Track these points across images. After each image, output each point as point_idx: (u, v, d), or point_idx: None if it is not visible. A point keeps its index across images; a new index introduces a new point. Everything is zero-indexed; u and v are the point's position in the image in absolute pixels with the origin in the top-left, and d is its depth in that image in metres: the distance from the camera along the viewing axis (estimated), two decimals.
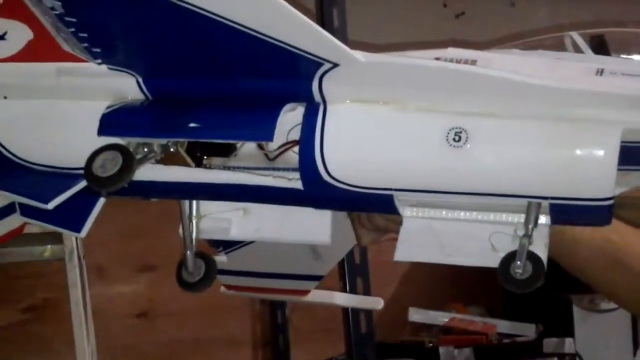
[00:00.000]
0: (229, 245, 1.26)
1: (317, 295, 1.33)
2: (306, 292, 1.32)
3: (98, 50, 1.00)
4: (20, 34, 1.07)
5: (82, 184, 1.04)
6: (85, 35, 0.98)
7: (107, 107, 1.04)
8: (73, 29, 0.97)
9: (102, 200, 1.09)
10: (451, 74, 0.95)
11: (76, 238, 2.39)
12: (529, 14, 3.21)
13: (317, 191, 0.99)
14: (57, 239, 2.39)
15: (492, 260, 0.98)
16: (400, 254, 1.02)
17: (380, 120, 0.96)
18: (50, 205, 1.03)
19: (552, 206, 0.93)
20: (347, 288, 2.24)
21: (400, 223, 1.11)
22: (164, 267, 2.80)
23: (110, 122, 1.03)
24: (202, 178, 1.04)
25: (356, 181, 0.97)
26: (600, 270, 1.18)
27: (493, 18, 3.17)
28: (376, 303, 1.49)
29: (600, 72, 0.95)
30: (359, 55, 0.95)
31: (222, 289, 1.33)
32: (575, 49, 1.02)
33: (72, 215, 1.09)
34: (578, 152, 0.90)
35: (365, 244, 1.23)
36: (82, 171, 1.02)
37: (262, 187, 1.02)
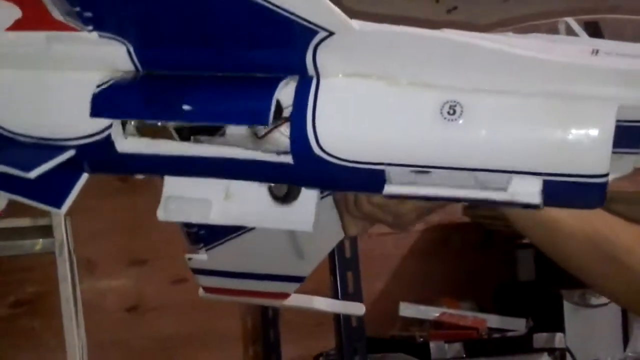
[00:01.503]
0: (209, 241, 1.24)
1: (296, 300, 1.30)
2: (286, 295, 1.29)
3: (89, 14, 0.98)
4: (8, 12, 1.05)
5: (67, 155, 1.03)
6: None
7: (98, 86, 1.02)
8: None
9: (85, 176, 1.06)
10: (450, 44, 0.93)
11: (66, 231, 2.39)
12: (522, 9, 3.21)
13: (307, 166, 0.97)
14: (48, 232, 2.39)
15: None
16: None
17: (373, 94, 0.95)
18: (32, 174, 1.00)
19: (545, 184, 0.91)
20: (338, 282, 2.24)
21: (389, 211, 1.11)
22: (154, 261, 2.81)
23: (102, 103, 1.02)
24: (189, 151, 1.02)
25: (348, 155, 0.95)
26: (593, 265, 1.17)
27: (485, 13, 3.17)
28: (358, 309, 1.48)
29: (596, 52, 0.95)
30: (355, 23, 0.93)
31: (201, 291, 1.31)
32: (570, 34, 1.03)
33: (53, 191, 1.06)
34: (574, 127, 0.90)
35: (352, 234, 1.21)
36: (68, 142, 1.01)
37: (251, 161, 0.99)
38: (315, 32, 0.93)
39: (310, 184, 1.04)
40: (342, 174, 0.96)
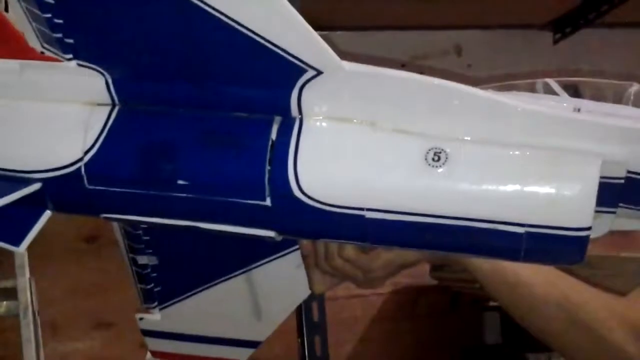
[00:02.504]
0: (164, 299, 1.21)
1: None
2: None
3: (71, 41, 0.95)
4: None
5: (32, 188, 0.99)
6: (61, 21, 0.93)
7: (85, 152, 0.98)
8: (49, 15, 0.92)
9: (47, 214, 1.02)
10: (437, 89, 0.93)
11: (31, 294, 2.36)
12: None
13: (285, 208, 0.94)
14: (12, 295, 2.36)
15: None
16: None
17: (357, 138, 0.94)
18: None
19: (527, 236, 0.90)
20: (306, 346, 2.23)
21: (359, 266, 1.10)
22: (121, 324, 2.77)
23: (97, 174, 0.98)
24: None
25: (329, 199, 0.93)
26: (560, 329, 1.16)
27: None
28: None
29: (578, 110, 0.96)
30: (345, 64, 0.92)
31: (148, 356, 1.28)
32: (549, 93, 1.03)
33: (12, 229, 1.01)
34: (558, 179, 0.90)
35: (319, 291, 1.18)
36: (34, 175, 0.98)
37: (224, 202, 0.96)
38: (304, 71, 0.91)
39: (286, 229, 1.00)
40: (321, 219, 0.94)
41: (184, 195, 0.96)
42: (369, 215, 0.93)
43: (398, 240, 0.97)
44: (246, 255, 1.18)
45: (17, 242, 1.01)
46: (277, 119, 0.95)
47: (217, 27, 0.88)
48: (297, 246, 1.15)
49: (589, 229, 0.89)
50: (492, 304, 2.77)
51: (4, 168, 1.01)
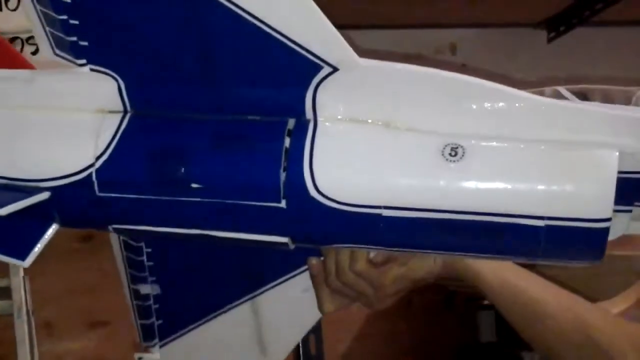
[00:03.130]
0: (165, 334, 1.18)
1: None
2: None
3: (85, 43, 0.94)
4: None
5: (41, 196, 0.98)
6: (77, 22, 0.92)
7: (96, 158, 0.97)
8: (64, 17, 0.91)
9: (53, 228, 1.00)
10: (452, 83, 0.92)
11: (25, 292, 2.35)
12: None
13: (301, 209, 0.93)
14: (6, 294, 2.36)
15: None
16: None
17: (373, 136, 0.92)
18: (2, 212, 0.94)
19: (547, 230, 0.89)
20: (300, 344, 2.23)
21: (370, 282, 1.07)
22: (116, 323, 2.77)
23: (108, 181, 0.97)
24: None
25: (346, 198, 0.92)
26: (571, 349, 1.11)
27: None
28: None
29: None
30: (360, 59, 0.91)
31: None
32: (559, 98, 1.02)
33: (17, 242, 0.99)
34: (576, 170, 0.89)
35: (328, 311, 1.14)
36: (43, 183, 0.97)
37: (236, 205, 0.94)
38: (320, 68, 0.91)
39: (301, 233, 0.97)
40: (337, 220, 0.92)
41: (198, 199, 0.94)
42: (386, 213, 0.91)
43: (415, 241, 0.95)
44: (252, 279, 1.15)
45: (22, 257, 0.99)
46: (292, 121, 0.94)
47: (231, 19, 0.87)
48: (305, 267, 1.11)
49: (609, 220, 0.88)
50: (487, 302, 2.76)
51: (12, 177, 1.00)
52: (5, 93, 1.01)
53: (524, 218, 0.89)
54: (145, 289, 1.17)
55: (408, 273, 1.09)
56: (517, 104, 0.92)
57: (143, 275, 1.15)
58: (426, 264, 1.09)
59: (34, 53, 1.59)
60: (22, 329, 2.33)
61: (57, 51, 0.96)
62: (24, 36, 1.70)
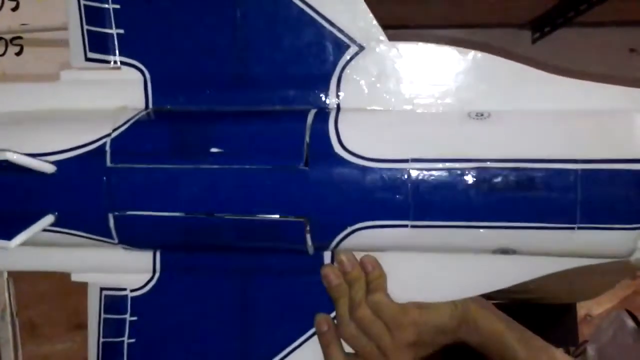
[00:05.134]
0: None
1: None
2: None
3: (121, 31, 0.94)
4: None
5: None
6: (118, 6, 0.93)
7: (114, 130, 0.94)
8: (107, 4, 0.93)
9: (48, 218, 0.95)
10: (476, 60, 0.94)
11: (9, 294, 2.35)
12: None
13: (324, 168, 0.89)
14: None
15: None
16: None
17: (397, 113, 0.92)
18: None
19: (582, 176, 0.86)
20: None
21: (387, 319, 0.98)
22: None
23: (122, 149, 0.93)
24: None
25: (372, 153, 0.89)
26: None
27: None
28: None
29: None
30: (383, 37, 0.92)
31: None
32: None
33: (7, 225, 0.95)
34: (606, 119, 0.88)
35: None
36: (49, 157, 0.93)
37: (256, 169, 0.90)
38: (347, 47, 0.91)
39: (322, 198, 0.91)
40: (363, 178, 0.89)
41: (216, 167, 0.90)
42: (414, 166, 0.88)
43: (443, 202, 0.89)
44: (252, 350, 1.03)
45: (8, 237, 0.94)
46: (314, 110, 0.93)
47: None
48: (310, 332, 1.01)
49: None
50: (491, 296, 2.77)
51: (21, 152, 0.94)
52: (33, 97, 1.00)
53: (556, 163, 0.86)
54: None
55: (429, 317, 1.00)
56: (532, 79, 0.92)
57: (120, 340, 1.09)
58: (448, 308, 1.00)
59: (18, 54, 1.59)
60: (6, 331, 2.33)
61: (90, 54, 0.96)
62: (8, 37, 1.70)
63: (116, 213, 0.95)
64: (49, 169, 0.92)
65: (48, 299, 2.73)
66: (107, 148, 0.93)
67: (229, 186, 0.91)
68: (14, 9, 1.91)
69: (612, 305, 2.24)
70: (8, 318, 2.34)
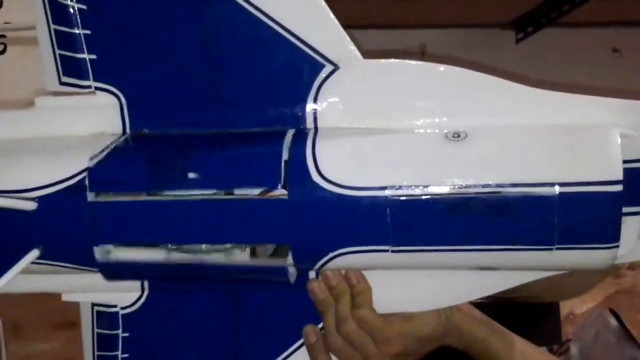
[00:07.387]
0: None
1: None
2: None
3: (94, 56, 0.95)
4: None
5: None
6: (89, 32, 0.93)
7: (91, 158, 0.95)
8: (77, 29, 0.93)
9: (33, 253, 0.96)
10: (449, 76, 0.92)
11: None
12: None
13: (302, 196, 0.89)
14: None
15: None
16: None
17: (374, 132, 0.92)
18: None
19: (560, 199, 0.86)
20: None
21: (373, 333, 0.99)
22: None
23: (102, 180, 0.94)
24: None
25: (349, 181, 0.89)
26: None
27: None
28: None
29: None
30: (359, 56, 0.92)
31: None
32: None
33: None
34: (580, 137, 0.88)
35: None
36: (30, 193, 0.94)
37: (238, 200, 0.91)
38: (321, 67, 0.91)
39: (302, 226, 0.92)
40: (342, 206, 0.89)
41: (195, 196, 0.91)
42: (392, 193, 0.88)
43: (423, 226, 0.89)
44: None
45: None
46: (292, 130, 0.93)
47: (238, 13, 0.89)
48: (297, 344, 1.03)
49: (620, 182, 0.85)
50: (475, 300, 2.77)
51: (1, 190, 0.96)
52: (8, 124, 1.01)
53: (533, 187, 0.87)
54: None
55: (413, 328, 1.01)
56: (510, 93, 0.92)
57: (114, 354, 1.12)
58: (431, 318, 1.02)
59: (2, 52, 1.58)
60: None
61: (64, 78, 0.96)
62: None
63: (100, 245, 0.96)
64: (31, 206, 0.94)
65: (32, 299, 2.71)
66: (87, 183, 0.94)
67: (208, 216, 0.92)
68: None
69: (595, 304, 2.25)
70: None
